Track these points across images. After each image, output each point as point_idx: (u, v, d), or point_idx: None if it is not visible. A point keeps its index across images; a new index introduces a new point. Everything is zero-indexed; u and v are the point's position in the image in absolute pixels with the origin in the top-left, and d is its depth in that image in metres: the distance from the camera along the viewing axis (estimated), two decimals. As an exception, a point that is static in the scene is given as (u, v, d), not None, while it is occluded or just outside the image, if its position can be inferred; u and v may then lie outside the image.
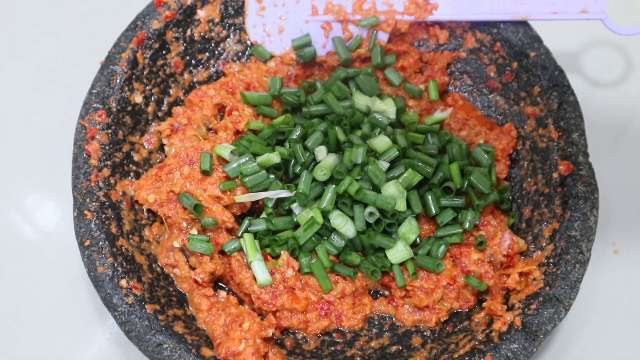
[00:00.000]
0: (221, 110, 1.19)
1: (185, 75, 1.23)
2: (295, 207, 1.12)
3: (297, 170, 1.12)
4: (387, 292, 1.15)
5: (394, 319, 1.13)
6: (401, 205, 1.09)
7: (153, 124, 1.19)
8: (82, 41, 1.42)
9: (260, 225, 1.12)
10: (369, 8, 1.23)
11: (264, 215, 1.14)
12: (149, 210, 1.14)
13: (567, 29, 1.35)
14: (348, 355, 1.09)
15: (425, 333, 1.11)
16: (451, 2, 1.22)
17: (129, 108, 1.16)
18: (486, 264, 1.10)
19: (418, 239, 1.13)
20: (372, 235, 1.10)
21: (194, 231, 1.10)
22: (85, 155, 1.10)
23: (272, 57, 1.26)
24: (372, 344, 1.11)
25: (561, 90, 1.17)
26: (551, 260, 1.08)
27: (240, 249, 1.11)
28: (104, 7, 1.45)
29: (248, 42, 1.27)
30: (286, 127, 1.15)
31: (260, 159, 1.10)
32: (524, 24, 1.21)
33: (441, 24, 1.26)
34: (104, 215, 1.08)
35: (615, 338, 1.19)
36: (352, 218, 1.10)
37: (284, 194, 1.11)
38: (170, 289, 1.10)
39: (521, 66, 1.21)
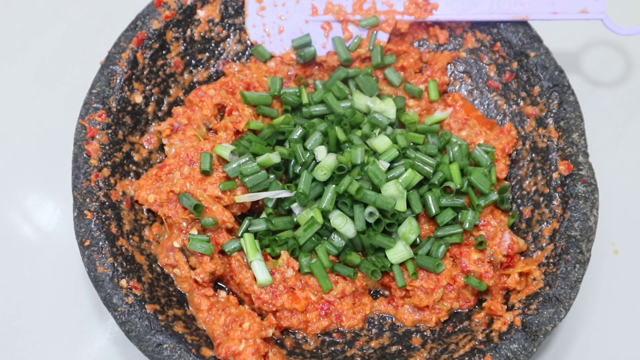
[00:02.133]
0: (221, 110, 1.19)
1: (185, 75, 1.23)
2: (295, 207, 1.12)
3: (297, 170, 1.12)
4: (387, 292, 1.15)
5: (394, 319, 1.13)
6: (401, 205, 1.09)
7: (153, 124, 1.19)
8: (82, 41, 1.42)
9: (260, 225, 1.12)
10: (369, 8, 1.23)
11: (264, 215, 1.14)
12: (149, 210, 1.14)
13: (567, 29, 1.35)
14: (348, 355, 1.09)
15: (425, 333, 1.11)
16: (451, 2, 1.22)
17: (129, 108, 1.16)
18: (486, 264, 1.10)
19: (418, 239, 1.13)
20: (372, 235, 1.10)
21: (194, 231, 1.09)
22: (85, 155, 1.10)
23: (272, 57, 1.26)
24: (372, 344, 1.11)
25: (561, 90, 1.17)
26: (551, 260, 1.08)
27: (240, 249, 1.11)
28: (104, 7, 1.45)
29: (248, 42, 1.27)
30: (286, 127, 1.15)
31: (260, 159, 1.10)
32: (524, 24, 1.21)
33: (441, 24, 1.26)
34: (104, 215, 1.08)
35: (615, 338, 1.19)
36: (352, 218, 1.10)
37: (284, 194, 1.11)
38: (170, 289, 1.10)
39: (521, 66, 1.21)
